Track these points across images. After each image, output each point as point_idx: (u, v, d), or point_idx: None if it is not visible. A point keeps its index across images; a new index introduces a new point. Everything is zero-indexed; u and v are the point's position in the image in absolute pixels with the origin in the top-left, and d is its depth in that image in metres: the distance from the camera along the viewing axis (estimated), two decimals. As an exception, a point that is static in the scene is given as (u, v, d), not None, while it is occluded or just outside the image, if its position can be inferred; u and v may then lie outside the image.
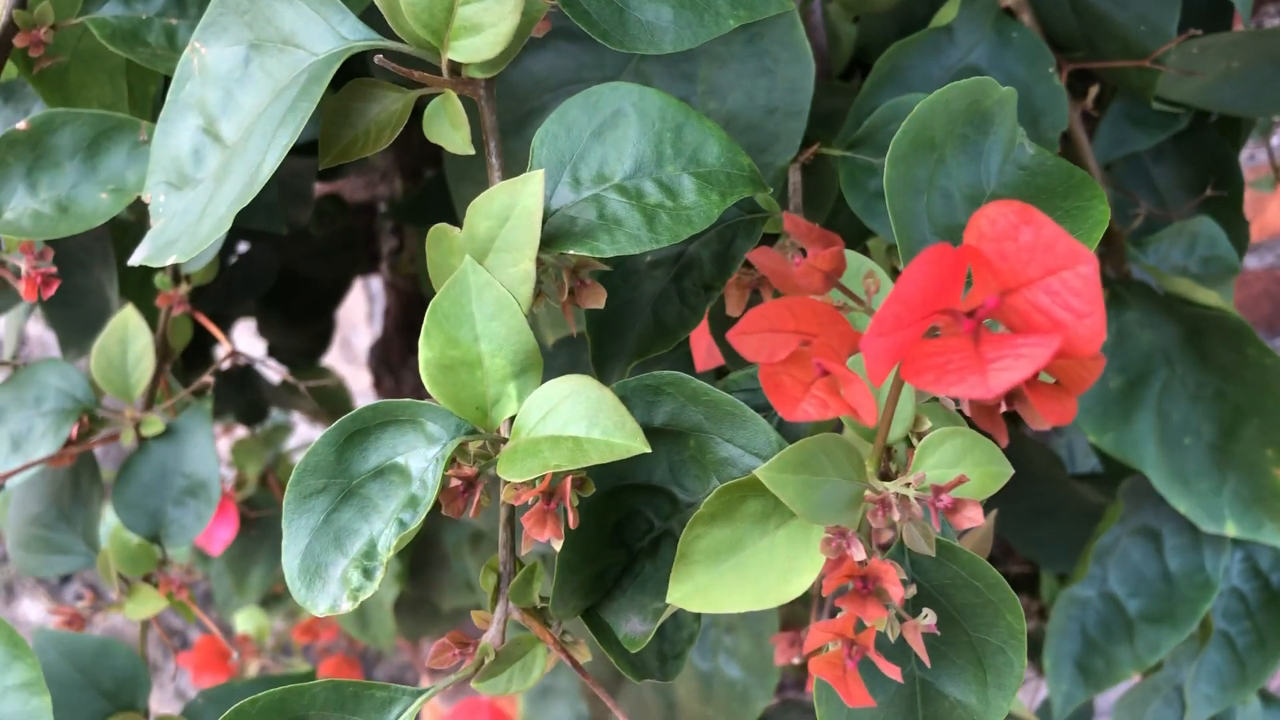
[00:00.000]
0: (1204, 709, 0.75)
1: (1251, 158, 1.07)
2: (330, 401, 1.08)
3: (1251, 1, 0.57)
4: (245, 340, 1.15)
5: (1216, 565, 0.72)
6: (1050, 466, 0.85)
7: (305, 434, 1.27)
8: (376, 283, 1.44)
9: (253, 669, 1.19)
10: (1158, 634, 0.73)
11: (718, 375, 0.59)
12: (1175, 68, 0.63)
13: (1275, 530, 0.68)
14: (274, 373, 1.07)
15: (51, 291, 0.46)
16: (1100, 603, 0.74)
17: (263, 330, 0.94)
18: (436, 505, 0.35)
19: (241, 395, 1.01)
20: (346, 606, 0.34)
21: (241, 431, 1.10)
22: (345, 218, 0.89)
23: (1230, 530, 0.68)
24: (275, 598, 1.26)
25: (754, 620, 0.65)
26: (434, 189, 0.74)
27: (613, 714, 0.36)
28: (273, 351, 0.98)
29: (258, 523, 1.03)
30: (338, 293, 0.96)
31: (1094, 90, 0.65)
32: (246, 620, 1.22)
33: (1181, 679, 0.79)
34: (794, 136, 0.49)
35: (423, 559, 1.07)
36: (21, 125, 0.45)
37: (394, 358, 1.05)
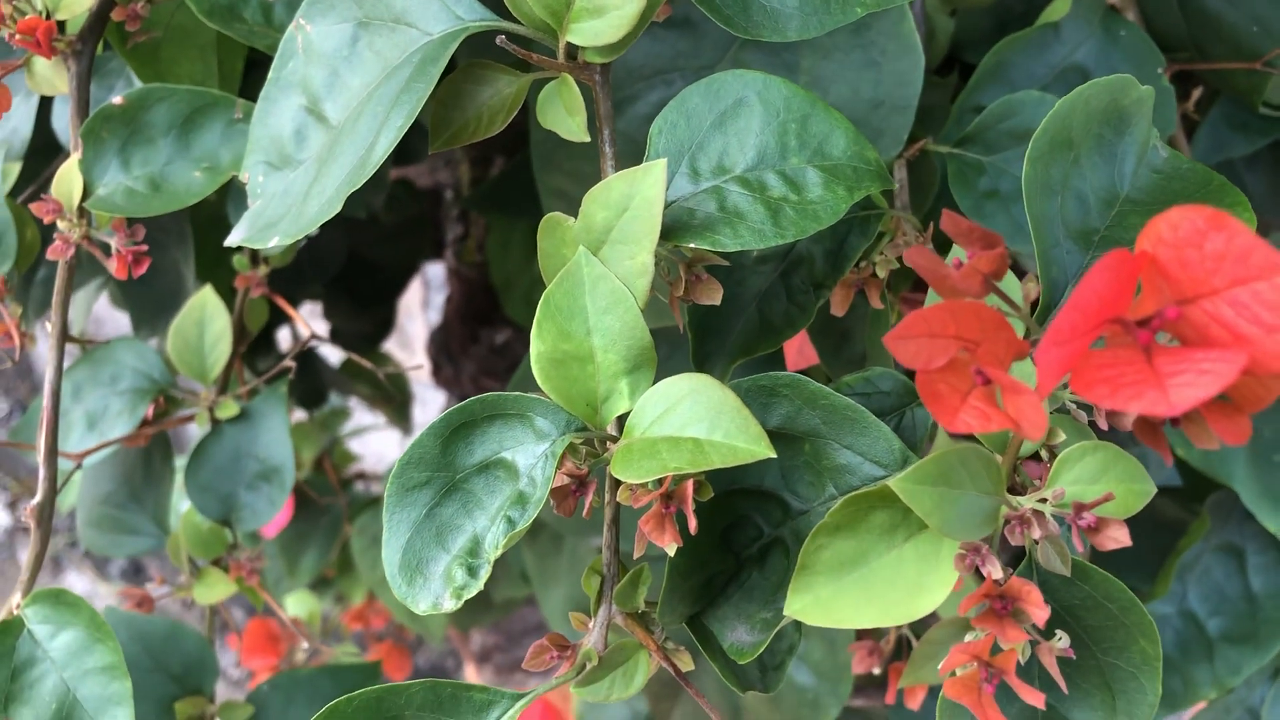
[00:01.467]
0: (1282, 733, 0.73)
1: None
2: (388, 388, 1.07)
3: (1371, 4, 0.55)
4: (314, 329, 1.14)
5: (1303, 586, 0.70)
6: (1126, 478, 0.83)
7: (361, 419, 1.27)
8: (432, 270, 1.43)
9: (301, 653, 1.19)
10: (1239, 655, 0.71)
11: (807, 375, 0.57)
12: (1286, 71, 0.60)
13: (1368, 552, 0.65)
14: (333, 356, 1.07)
15: (142, 270, 0.45)
16: (1179, 620, 0.72)
17: (329, 313, 0.94)
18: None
19: (301, 379, 1.01)
20: (449, 605, 0.33)
21: (299, 415, 1.09)
22: (414, 203, 0.88)
23: (1320, 550, 0.66)
24: (325, 581, 1.26)
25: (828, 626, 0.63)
26: (513, 177, 0.73)
27: (674, 714, 0.34)
28: (336, 335, 0.97)
29: (312, 507, 1.02)
30: (403, 278, 0.95)
31: (1197, 93, 0.62)
32: (298, 604, 1.22)
33: (1255, 701, 0.77)
34: (900, 132, 0.48)
35: (476, 549, 1.06)
36: (117, 100, 0.44)
37: (454, 346, 1.04)
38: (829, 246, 0.40)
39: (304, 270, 0.83)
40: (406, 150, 0.79)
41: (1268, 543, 0.70)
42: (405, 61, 0.36)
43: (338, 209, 0.34)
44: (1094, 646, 0.32)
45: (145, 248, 0.45)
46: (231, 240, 0.39)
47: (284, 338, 0.97)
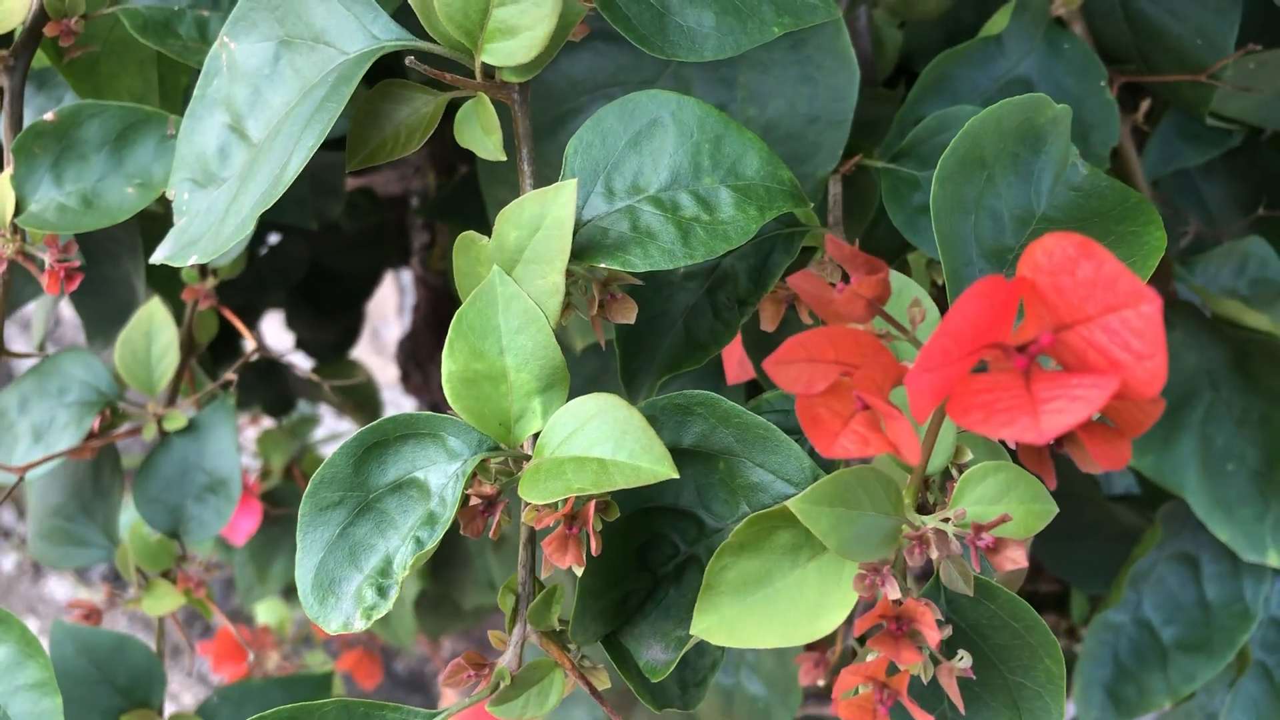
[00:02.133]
0: (1239, 741, 0.73)
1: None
2: (358, 394, 1.07)
3: (1314, 17, 0.55)
4: (274, 331, 1.14)
5: (1256, 595, 0.70)
6: (1085, 487, 0.83)
7: (331, 426, 1.27)
8: (408, 275, 1.43)
9: (273, 660, 1.19)
10: (1193, 663, 0.71)
11: (749, 390, 0.57)
12: (1231, 83, 0.61)
13: (1319, 562, 0.66)
14: (302, 363, 1.07)
15: (74, 286, 0.45)
16: (1134, 629, 0.73)
17: (291, 323, 0.94)
18: (455, 527, 0.33)
19: (269, 386, 1.01)
20: (359, 625, 0.33)
21: (268, 423, 1.09)
22: (377, 212, 0.88)
23: (1272, 560, 0.66)
24: (296, 589, 1.25)
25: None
26: (466, 187, 0.73)
27: None
28: (301, 344, 0.97)
29: (281, 514, 1.02)
30: (367, 286, 0.95)
31: (1145, 104, 0.63)
32: (268, 611, 1.22)
33: (1214, 708, 0.77)
34: (835, 147, 0.48)
35: (445, 557, 1.06)
36: (49, 116, 0.44)
37: (422, 353, 1.04)
38: (753, 263, 0.41)
39: (265, 279, 0.83)
40: (346, 172, 0.79)
41: (1221, 552, 0.70)
42: (322, 81, 0.36)
43: (251, 229, 0.35)
44: (1001, 665, 0.32)
45: (78, 263, 0.45)
46: (155, 258, 0.39)
47: (251, 347, 0.97)
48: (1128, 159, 0.64)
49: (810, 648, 0.58)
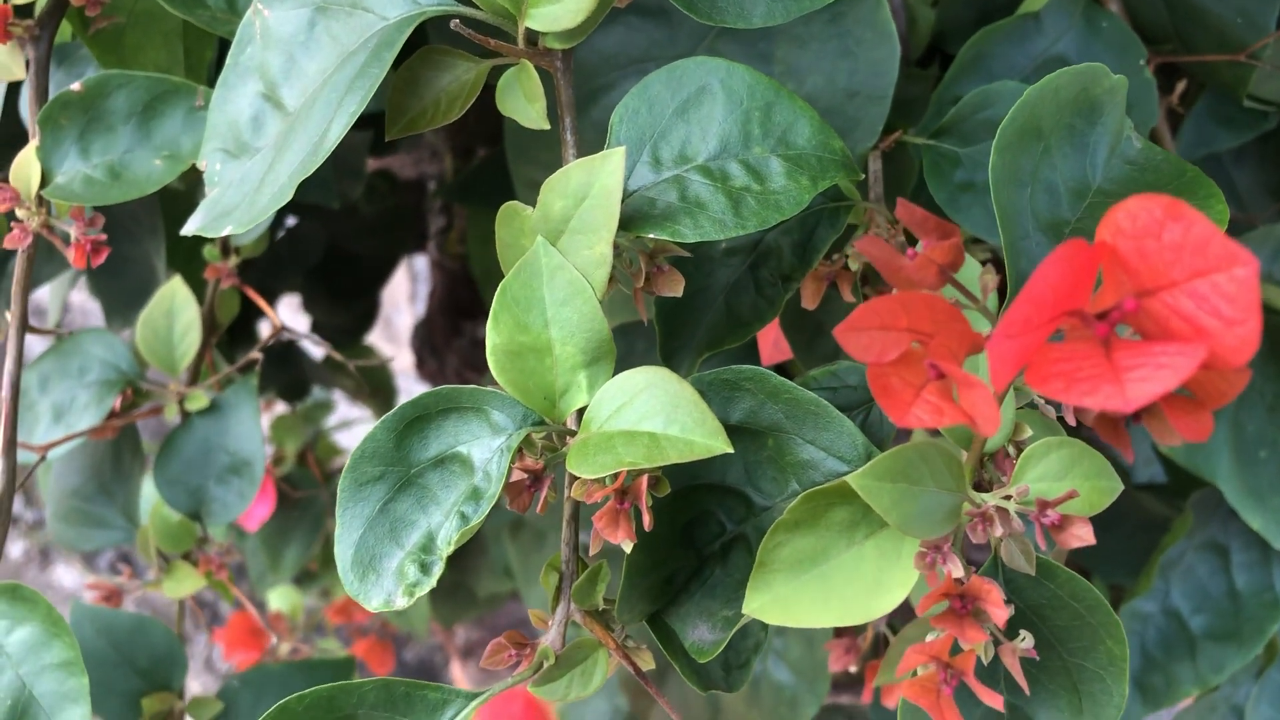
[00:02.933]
0: (1266, 732, 0.72)
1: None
2: (372, 380, 1.06)
3: (1356, -5, 0.54)
4: (288, 316, 1.14)
5: (1287, 584, 0.69)
6: (1112, 475, 0.82)
7: (345, 412, 1.26)
8: (420, 262, 1.43)
9: (285, 647, 1.18)
10: (1222, 653, 0.70)
11: (782, 369, 0.57)
12: (1271, 63, 0.60)
13: (1351, 551, 0.65)
14: (316, 349, 1.06)
15: (101, 260, 0.44)
16: (1162, 618, 0.72)
17: (308, 306, 0.93)
18: (498, 501, 0.33)
19: (283, 371, 1.00)
20: (401, 602, 0.32)
21: (282, 408, 1.09)
22: (395, 195, 0.87)
23: (1305, 549, 0.65)
24: (309, 575, 1.25)
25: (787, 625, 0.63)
26: (488, 168, 0.72)
27: (653, 710, 0.33)
28: (316, 328, 0.96)
29: (295, 500, 1.02)
30: (384, 270, 0.94)
31: (1181, 86, 0.62)
32: (280, 598, 1.21)
33: (1239, 699, 0.76)
34: (875, 122, 0.47)
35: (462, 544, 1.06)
36: (76, 87, 0.43)
37: (437, 339, 1.03)
38: (797, 239, 0.40)
39: (283, 262, 0.83)
40: (385, 140, 0.78)
41: (1251, 540, 0.69)
42: (361, 47, 0.35)
43: (289, 197, 0.34)
44: (1060, 647, 0.31)
45: (104, 237, 0.44)
46: (187, 229, 0.38)
47: (266, 330, 0.96)
48: (1162, 141, 0.63)
49: (840, 634, 0.57)
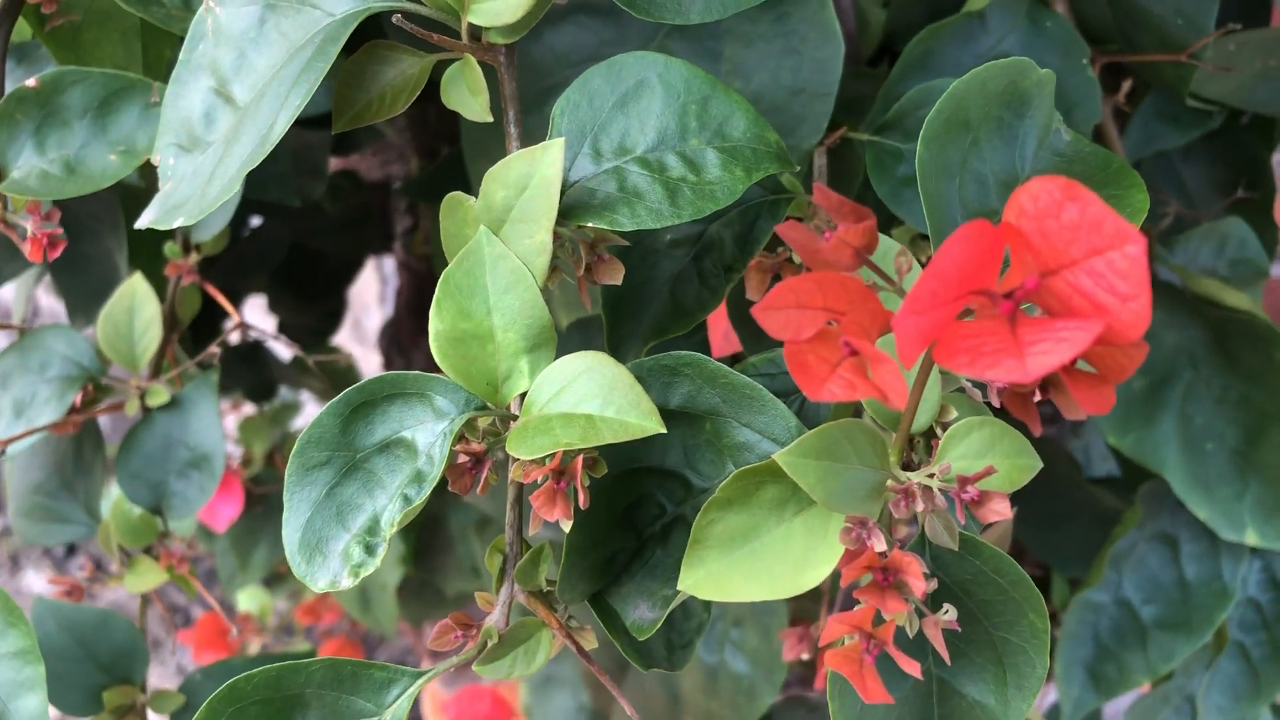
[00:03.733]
0: (1216, 719, 0.74)
1: (1281, 163, 1.05)
2: (340, 380, 1.07)
3: (1292, -4, 0.55)
4: (256, 318, 1.14)
5: (1234, 574, 0.71)
6: (1067, 469, 0.84)
7: (313, 413, 1.26)
8: (389, 264, 1.43)
9: (254, 648, 1.18)
10: (1172, 642, 0.71)
11: (734, 361, 0.58)
12: (1211, 64, 0.61)
13: (1296, 540, 0.66)
14: (284, 350, 1.07)
15: (57, 253, 0.45)
16: (1114, 608, 0.73)
17: (274, 306, 0.93)
18: (443, 485, 0.33)
19: (251, 372, 1.00)
20: (347, 583, 0.33)
21: (249, 409, 1.09)
22: (360, 195, 0.88)
23: (1251, 539, 0.67)
24: (278, 577, 1.25)
25: (762, 614, 0.64)
26: (449, 166, 0.73)
27: (616, 705, 0.34)
28: (283, 329, 0.97)
29: (263, 501, 1.02)
30: (350, 271, 0.95)
31: (1127, 84, 0.63)
32: (249, 599, 1.21)
33: (1193, 688, 0.78)
34: (820, 119, 0.48)
35: (428, 543, 1.06)
36: (31, 82, 0.44)
37: (405, 339, 1.04)
38: (739, 230, 0.41)
39: (247, 262, 0.83)
40: (347, 140, 0.79)
41: (1200, 531, 0.71)
42: (308, 42, 0.36)
43: (237, 189, 0.34)
44: (986, 621, 0.32)
45: (60, 231, 0.45)
46: (141, 223, 0.39)
47: (231, 327, 0.97)
48: (1109, 139, 0.64)
49: (794, 623, 0.58)
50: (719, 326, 0.52)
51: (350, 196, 0.87)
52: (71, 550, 1.97)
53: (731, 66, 0.49)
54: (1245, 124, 0.73)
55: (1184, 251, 0.67)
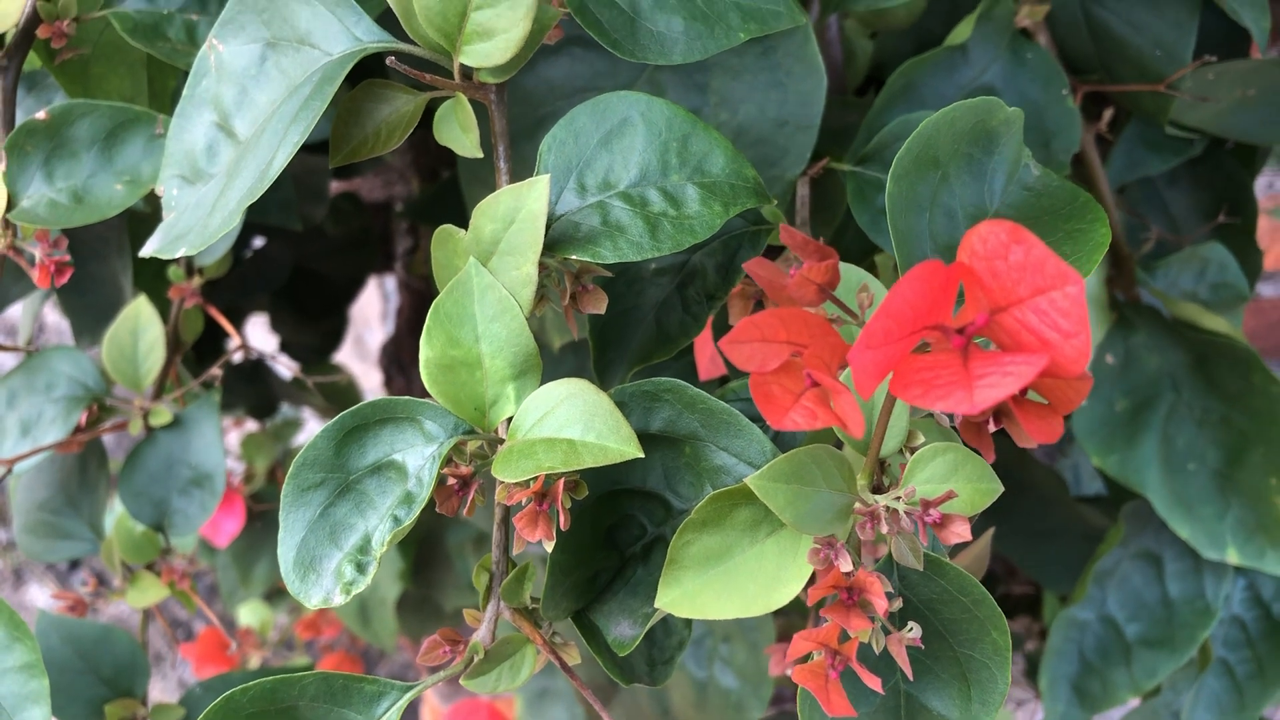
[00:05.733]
0: (1201, 736, 0.75)
1: (1270, 185, 1.06)
2: (340, 399, 1.08)
3: (1268, 30, 0.57)
4: (258, 335, 1.16)
5: (1217, 592, 0.72)
6: (1055, 488, 0.85)
7: (315, 429, 1.28)
8: (391, 282, 1.45)
9: (254, 662, 1.19)
10: (1155, 659, 0.73)
11: (720, 385, 0.59)
12: (1190, 93, 0.63)
13: (1277, 559, 0.68)
14: (285, 368, 1.08)
15: (64, 280, 0.46)
16: (1099, 625, 0.74)
17: (275, 325, 0.95)
18: (432, 505, 0.35)
19: (252, 389, 1.02)
20: (339, 600, 0.34)
21: (252, 425, 1.10)
22: (361, 216, 0.89)
23: (1232, 557, 0.68)
24: (279, 592, 1.27)
25: (750, 629, 0.65)
26: (448, 189, 0.75)
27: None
28: (285, 347, 0.99)
29: (264, 516, 1.03)
30: (351, 291, 0.96)
31: (1109, 113, 0.65)
32: (250, 614, 1.22)
33: (1180, 705, 0.79)
34: (804, 150, 0.49)
35: (426, 558, 1.08)
36: (41, 115, 0.46)
37: (405, 357, 1.06)
38: (720, 260, 0.42)
39: (250, 282, 0.85)
40: (348, 165, 0.80)
41: (1183, 550, 0.72)
42: (307, 80, 0.37)
43: (237, 221, 0.36)
44: (950, 638, 0.34)
45: (68, 258, 0.47)
46: (145, 251, 0.41)
47: (233, 347, 0.98)
48: (1091, 166, 0.66)
49: (781, 639, 0.60)
50: (705, 352, 0.53)
51: (352, 218, 0.89)
52: (74, 565, 1.99)
53: (719, 99, 0.50)
54: (1228, 151, 0.74)
55: (1165, 276, 0.69)
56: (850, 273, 0.34)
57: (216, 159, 0.40)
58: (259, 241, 0.86)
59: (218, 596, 1.49)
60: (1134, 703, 0.78)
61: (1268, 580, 0.75)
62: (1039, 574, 0.86)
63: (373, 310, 1.52)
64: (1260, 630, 0.75)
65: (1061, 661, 0.74)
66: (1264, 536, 0.68)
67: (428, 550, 1.07)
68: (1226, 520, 0.68)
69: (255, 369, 1.01)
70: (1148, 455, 0.69)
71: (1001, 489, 0.32)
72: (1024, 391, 0.27)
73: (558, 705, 0.86)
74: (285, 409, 1.12)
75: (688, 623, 0.40)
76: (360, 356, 1.53)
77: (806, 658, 0.31)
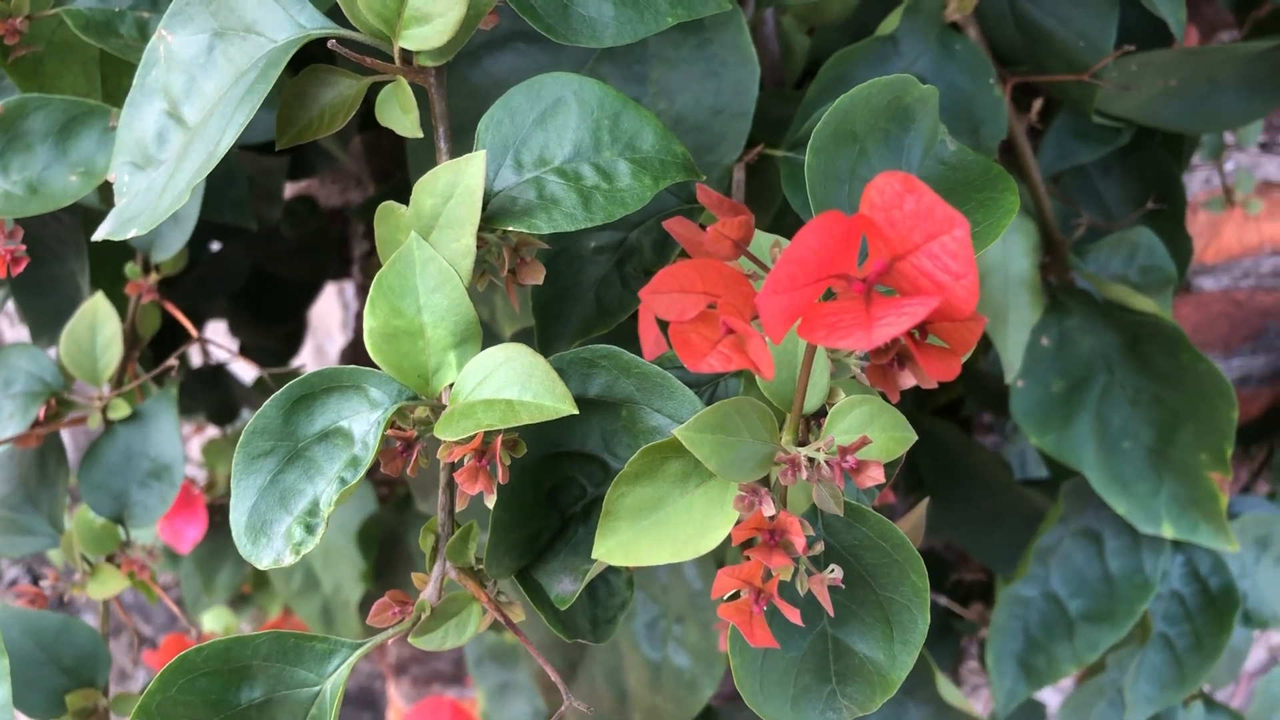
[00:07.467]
0: (1144, 709, 0.77)
1: (1208, 180, 1.10)
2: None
3: (1184, 22, 0.60)
4: (218, 343, 1.16)
5: (1155, 566, 0.75)
6: (1000, 473, 0.87)
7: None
8: (351, 290, 1.46)
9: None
10: (1097, 632, 0.75)
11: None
12: (1114, 83, 0.65)
13: (1210, 532, 0.70)
14: (246, 373, 1.09)
15: (20, 269, 0.48)
16: (1043, 602, 0.77)
17: (233, 329, 0.96)
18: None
19: (212, 395, 1.03)
20: (289, 560, 0.36)
21: (213, 431, 1.11)
22: (318, 219, 0.91)
23: (1167, 532, 0.70)
24: (244, 598, 1.27)
25: (702, 610, 0.67)
26: (400, 189, 0.76)
27: (570, 707, 0.37)
28: (244, 351, 0.99)
29: (228, 523, 1.04)
30: (309, 294, 0.97)
31: (1038, 103, 0.67)
32: (214, 620, 1.23)
33: (1123, 680, 0.81)
34: (739, 137, 0.51)
35: (388, 559, 1.08)
36: (-5, 109, 0.47)
37: (364, 360, 1.06)
38: (656, 237, 0.44)
39: (207, 284, 0.86)
40: (303, 166, 0.82)
41: (1122, 527, 0.75)
42: (253, 66, 0.39)
43: (186, 200, 0.37)
44: (873, 582, 0.36)
45: (24, 248, 0.48)
46: (97, 235, 0.42)
47: (194, 350, 0.99)
48: (1023, 155, 0.68)
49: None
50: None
51: (308, 221, 0.90)
52: (36, 578, 1.97)
53: (658, 89, 0.52)
54: (1158, 141, 0.77)
55: (1096, 260, 0.71)
56: (765, 237, 0.36)
57: (166, 145, 0.41)
58: (215, 245, 0.87)
59: (183, 609, 1.49)
60: (1072, 674, 0.80)
61: (1205, 555, 0.77)
62: (988, 558, 0.88)
63: (333, 319, 1.53)
64: (1198, 604, 0.78)
65: (1007, 639, 0.76)
66: (1196, 511, 0.70)
67: (390, 551, 1.08)
68: (1161, 496, 0.71)
69: (215, 374, 1.02)
70: (1084, 434, 0.71)
71: (915, 437, 0.34)
72: (925, 336, 0.29)
73: (519, 699, 0.87)
74: (246, 414, 1.13)
75: (630, 583, 0.41)
76: (322, 364, 1.54)
77: (735, 596, 0.33)
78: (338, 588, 1.10)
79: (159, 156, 0.41)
